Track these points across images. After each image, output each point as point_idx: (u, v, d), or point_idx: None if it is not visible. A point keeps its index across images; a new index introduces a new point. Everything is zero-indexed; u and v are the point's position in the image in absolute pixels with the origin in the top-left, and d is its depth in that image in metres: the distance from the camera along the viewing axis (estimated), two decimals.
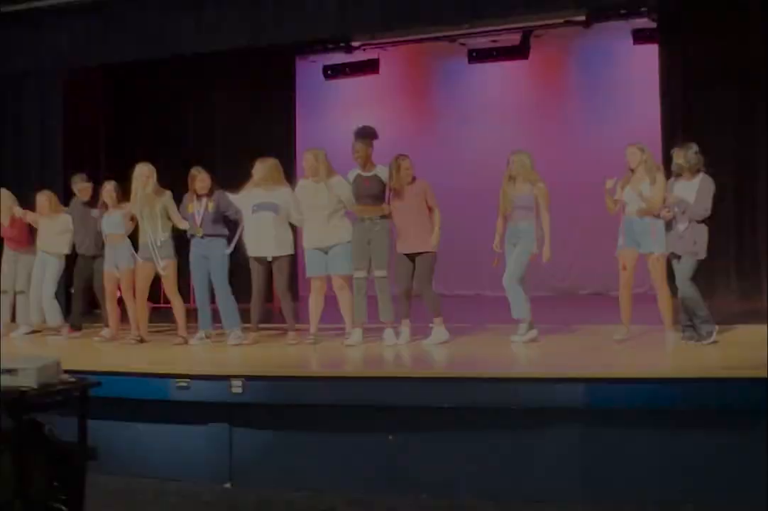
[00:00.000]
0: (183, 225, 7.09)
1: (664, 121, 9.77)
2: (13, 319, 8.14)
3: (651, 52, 10.60)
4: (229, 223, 7.13)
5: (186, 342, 7.00)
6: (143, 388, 5.62)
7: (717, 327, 6.08)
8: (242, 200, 6.96)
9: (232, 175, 7.62)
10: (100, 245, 7.48)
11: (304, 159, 6.82)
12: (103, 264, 7.35)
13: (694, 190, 6.07)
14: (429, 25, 9.73)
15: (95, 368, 5.55)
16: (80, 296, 7.76)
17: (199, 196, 7.05)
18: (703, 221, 6.09)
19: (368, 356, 6.28)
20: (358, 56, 11.92)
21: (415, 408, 5.19)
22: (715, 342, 6.00)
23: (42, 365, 3.87)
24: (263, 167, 6.84)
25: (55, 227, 7.82)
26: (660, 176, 6.29)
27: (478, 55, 11.42)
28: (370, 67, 11.87)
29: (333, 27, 8.94)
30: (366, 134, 6.76)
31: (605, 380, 4.95)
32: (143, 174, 7.08)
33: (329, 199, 6.73)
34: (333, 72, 12.06)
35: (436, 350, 6.39)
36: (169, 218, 7.09)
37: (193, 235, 7.06)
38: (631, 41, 10.63)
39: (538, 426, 5.05)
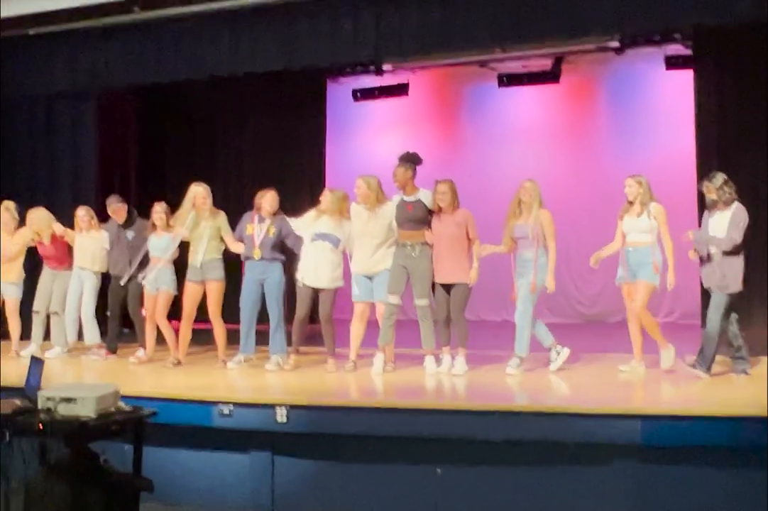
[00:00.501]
0: (236, 248, 7.06)
1: (699, 148, 9.70)
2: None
3: (684, 78, 10.59)
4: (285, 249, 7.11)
5: (225, 365, 6.96)
6: (185, 414, 5.56)
7: (710, 376, 5.99)
8: (302, 226, 6.90)
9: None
10: (135, 267, 7.46)
11: (357, 186, 6.74)
12: (146, 285, 7.33)
13: (727, 221, 6.03)
14: (462, 50, 9.72)
15: (136, 392, 5.50)
16: (117, 319, 7.74)
17: (261, 218, 7.00)
18: (735, 253, 6.01)
19: (411, 384, 6.20)
20: (388, 79, 11.92)
21: (464, 441, 5.12)
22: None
23: (101, 395, 3.83)
24: (333, 198, 6.81)
25: (94, 244, 7.80)
26: (655, 208, 6.32)
27: (508, 80, 11.42)
28: (399, 90, 11.89)
29: (369, 51, 8.95)
30: (407, 159, 6.70)
31: (659, 417, 4.88)
32: (200, 194, 7.05)
33: (381, 228, 6.69)
34: (362, 95, 12.08)
35: (472, 380, 6.32)
36: (221, 240, 7.06)
37: (248, 258, 7.00)
38: (664, 67, 10.62)
39: (589, 461, 4.98)
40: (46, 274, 8.03)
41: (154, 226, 7.34)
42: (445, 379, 6.36)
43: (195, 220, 7.04)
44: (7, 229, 8.04)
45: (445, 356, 6.58)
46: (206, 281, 7.08)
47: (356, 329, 6.83)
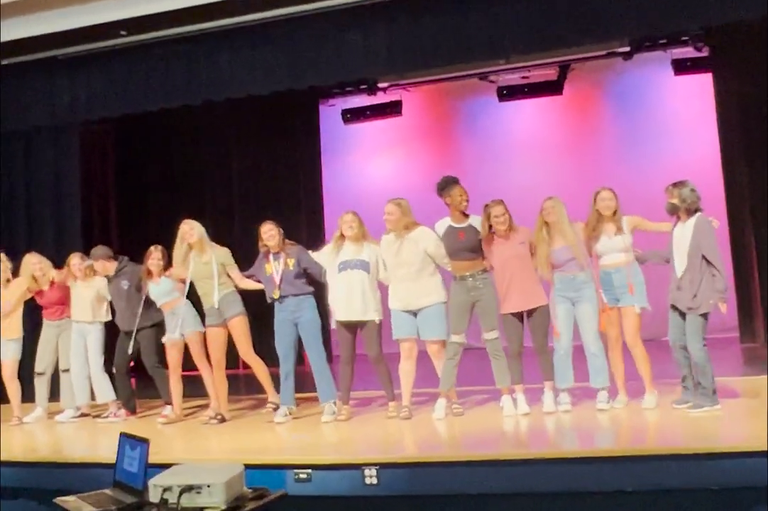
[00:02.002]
0: (245, 284, 6.49)
1: (724, 154, 9.39)
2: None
3: (694, 81, 10.33)
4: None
5: (277, 408, 6.31)
6: (253, 482, 4.86)
7: (719, 406, 5.44)
8: (324, 258, 6.35)
9: (252, 228, 6.94)
10: (140, 318, 6.82)
11: (387, 211, 6.15)
12: (168, 334, 6.66)
13: (690, 233, 5.46)
14: (464, 62, 9.23)
15: (182, 459, 4.84)
16: (125, 375, 7.01)
17: (275, 254, 6.39)
18: (709, 270, 5.41)
19: (496, 429, 5.60)
20: (380, 98, 11.42)
21: (585, 494, 4.55)
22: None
23: (229, 479, 3.17)
24: (356, 220, 6.25)
25: (92, 293, 7.09)
26: (629, 220, 5.86)
27: (509, 93, 10.99)
28: (392, 109, 11.37)
29: (362, 68, 8.44)
30: (455, 181, 6.14)
31: None
32: (193, 232, 6.48)
33: (415, 255, 6.10)
34: (353, 115, 11.54)
35: (567, 420, 5.73)
36: (228, 276, 6.46)
37: (273, 300, 6.37)
38: (672, 72, 10.29)
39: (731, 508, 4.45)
40: (49, 329, 7.26)
41: (149, 272, 6.71)
42: (530, 420, 5.75)
43: (195, 260, 6.45)
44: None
45: (520, 396, 5.99)
46: (227, 319, 6.43)
47: (406, 370, 6.19)
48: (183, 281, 6.60)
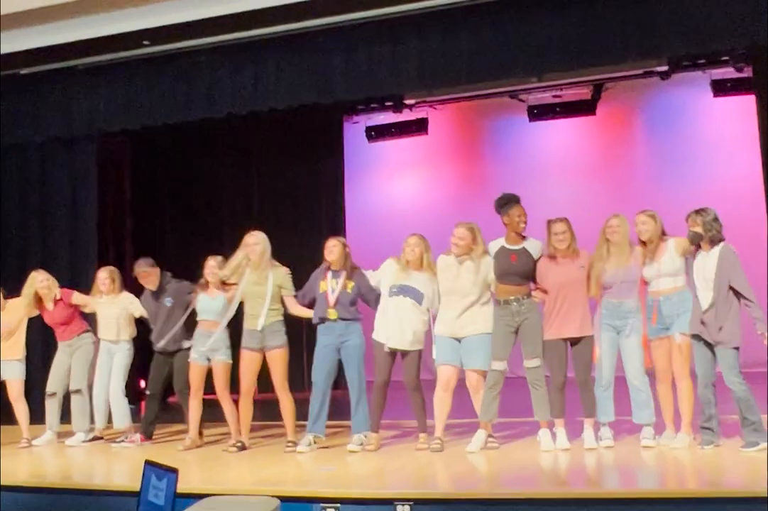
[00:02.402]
0: (298, 311, 6.20)
1: (767, 178, 9.11)
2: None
3: (734, 104, 10.12)
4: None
5: (295, 447, 6.01)
6: None
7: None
8: (382, 277, 6.08)
9: (272, 249, 6.66)
10: (181, 338, 6.56)
11: (460, 237, 5.82)
12: (190, 353, 6.41)
13: (714, 264, 5.25)
14: (499, 79, 9.04)
15: (200, 489, 4.59)
16: (158, 399, 6.76)
17: (335, 272, 6.12)
18: (737, 301, 5.21)
19: (532, 465, 5.29)
20: (406, 116, 11.24)
21: None
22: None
23: None
24: (421, 245, 5.98)
25: (118, 310, 6.86)
26: (677, 242, 5.57)
27: (540, 112, 10.78)
28: (418, 127, 11.18)
29: (391, 84, 8.23)
30: (515, 199, 5.89)
31: None
32: (257, 248, 6.15)
33: (474, 285, 5.83)
34: (377, 133, 11.35)
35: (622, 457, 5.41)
36: (281, 300, 6.18)
37: (323, 320, 6.07)
38: (710, 93, 10.08)
39: None
40: (62, 349, 7.03)
41: (206, 284, 6.40)
42: (570, 456, 5.45)
43: (248, 276, 6.15)
44: None
45: (560, 430, 5.69)
46: (267, 348, 6.15)
47: (442, 400, 5.88)
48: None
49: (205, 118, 8.50)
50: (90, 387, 6.92)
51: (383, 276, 6.04)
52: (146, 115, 8.49)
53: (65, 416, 7.01)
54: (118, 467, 6.12)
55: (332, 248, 6.08)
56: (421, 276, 5.94)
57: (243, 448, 6.16)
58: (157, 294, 6.73)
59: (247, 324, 6.18)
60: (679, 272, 5.57)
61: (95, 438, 6.89)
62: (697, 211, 5.37)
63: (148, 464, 3.16)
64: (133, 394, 6.92)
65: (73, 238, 8.92)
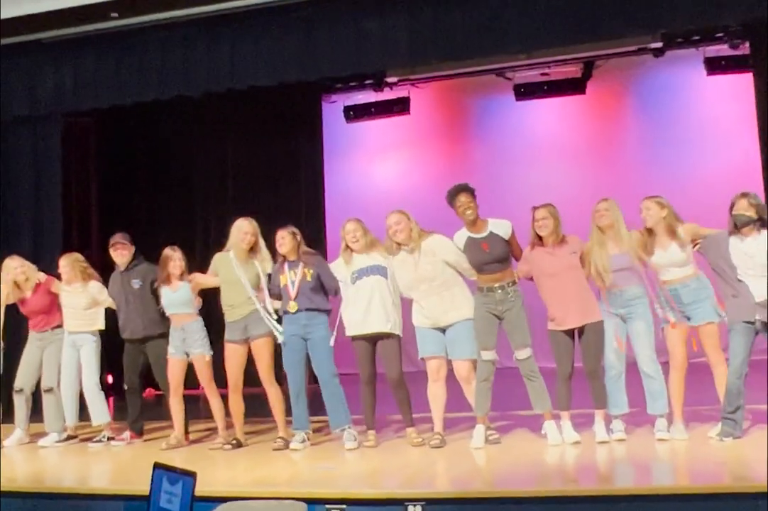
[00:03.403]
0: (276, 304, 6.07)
1: (765, 158, 9.12)
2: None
3: (729, 83, 10.10)
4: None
5: (287, 446, 5.87)
6: None
7: None
8: (336, 272, 6.00)
9: None
10: (151, 324, 6.39)
11: (396, 222, 5.78)
12: (167, 348, 6.25)
13: (765, 248, 5.23)
14: (489, 55, 8.88)
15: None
16: (137, 391, 6.57)
17: (291, 263, 6.01)
18: None
19: (541, 460, 5.21)
20: (386, 95, 11.07)
21: None
22: None
23: None
24: (359, 229, 5.91)
25: (85, 299, 6.65)
26: (686, 228, 5.54)
27: (527, 91, 10.67)
28: (399, 106, 11.01)
29: (373, 60, 8.09)
30: (465, 188, 5.80)
31: None
32: (249, 232, 6.02)
33: (434, 268, 5.75)
34: (356, 113, 11.18)
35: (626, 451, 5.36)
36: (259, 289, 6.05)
37: (286, 312, 5.97)
38: (704, 72, 10.04)
39: None
40: (32, 342, 6.80)
41: (167, 276, 6.25)
42: (580, 451, 5.36)
43: (241, 264, 6.03)
44: None
45: (566, 423, 5.61)
46: (251, 338, 6.02)
47: (435, 393, 5.80)
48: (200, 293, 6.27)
49: (178, 96, 8.29)
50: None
51: (339, 268, 5.98)
52: (116, 94, 8.29)
53: (36, 414, 6.81)
54: (99, 468, 5.93)
55: (282, 241, 5.97)
56: (374, 255, 5.86)
57: (239, 445, 6.04)
58: (126, 274, 6.56)
59: (227, 316, 6.06)
60: (690, 259, 5.52)
61: (69, 437, 6.69)
62: (744, 194, 5.33)
63: (158, 467, 3.01)
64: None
65: (37, 223, 8.68)
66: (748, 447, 5.11)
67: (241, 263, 6.03)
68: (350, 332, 5.91)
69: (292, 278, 5.94)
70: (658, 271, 5.60)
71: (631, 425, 5.73)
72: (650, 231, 5.58)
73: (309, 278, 5.92)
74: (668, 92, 10.53)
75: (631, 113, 10.97)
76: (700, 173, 10.12)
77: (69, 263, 6.75)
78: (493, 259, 5.69)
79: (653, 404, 5.56)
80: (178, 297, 6.21)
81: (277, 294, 6.05)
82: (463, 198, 5.70)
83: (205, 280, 6.28)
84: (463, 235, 5.79)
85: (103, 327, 6.74)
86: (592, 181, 10.59)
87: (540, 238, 5.64)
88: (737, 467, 4.82)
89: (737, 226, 5.32)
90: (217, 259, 6.17)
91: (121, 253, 6.60)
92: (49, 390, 6.66)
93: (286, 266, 5.99)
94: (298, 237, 6.02)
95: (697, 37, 9.89)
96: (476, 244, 5.72)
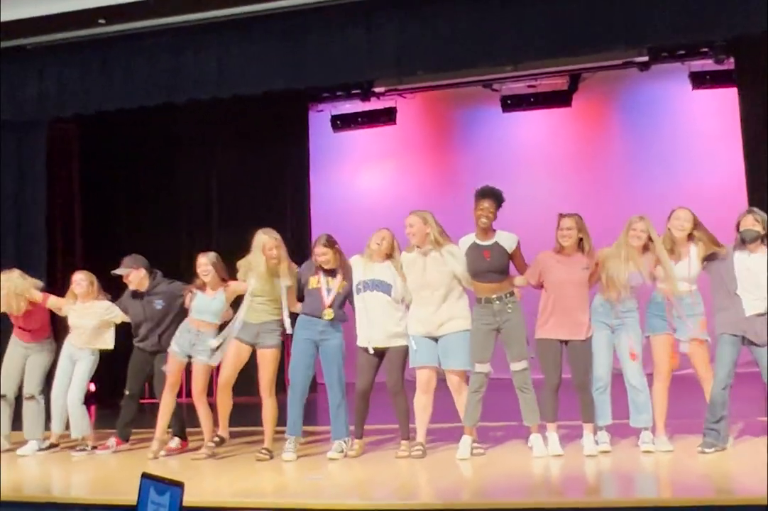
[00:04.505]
0: (297, 308, 6.03)
1: (750, 174, 9.21)
2: None
3: (714, 98, 10.22)
4: None
5: (271, 458, 5.85)
6: None
7: None
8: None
9: (232, 240, 6.77)
10: (167, 339, 6.31)
11: (409, 224, 5.79)
12: (173, 347, 6.20)
13: (765, 265, 5.32)
14: (476, 66, 8.92)
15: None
16: (136, 399, 6.54)
17: (329, 271, 5.96)
18: None
19: (526, 472, 5.23)
20: (373, 104, 11.14)
21: None
22: None
23: None
24: (388, 238, 5.89)
25: (93, 320, 6.55)
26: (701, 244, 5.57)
27: (513, 103, 10.77)
28: (386, 116, 11.09)
29: (360, 71, 8.13)
30: (493, 193, 5.81)
31: None
32: (267, 245, 5.92)
33: (442, 276, 5.74)
34: (343, 123, 11.23)
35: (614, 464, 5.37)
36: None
37: (313, 316, 5.91)
38: (689, 86, 10.15)
39: None
40: (16, 347, 6.73)
41: (203, 284, 6.19)
42: (565, 462, 5.39)
43: (265, 277, 5.96)
44: None
45: (551, 434, 5.63)
46: (259, 346, 6.00)
47: (422, 404, 5.79)
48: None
49: (164, 103, 8.29)
50: (43, 393, 6.68)
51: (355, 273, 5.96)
52: (101, 100, 8.24)
53: (15, 421, 6.77)
54: (85, 477, 5.87)
55: (324, 257, 5.88)
56: (384, 267, 5.85)
57: (222, 442, 6.04)
58: (147, 296, 6.47)
59: (246, 317, 6.00)
60: (694, 276, 5.58)
61: (51, 446, 6.64)
62: (751, 211, 5.45)
63: (146, 477, 3.00)
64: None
65: (21, 229, 8.63)
66: (733, 460, 5.18)
67: (267, 277, 5.96)
68: (358, 341, 5.91)
69: (328, 286, 5.91)
70: (662, 281, 5.60)
71: (616, 437, 5.76)
72: (674, 240, 5.56)
73: (341, 290, 5.93)
74: (653, 106, 10.65)
75: (617, 126, 11.08)
76: (685, 186, 10.18)
77: (88, 277, 6.63)
78: (491, 268, 5.71)
79: (637, 417, 5.59)
80: (213, 305, 6.15)
81: (300, 296, 6.03)
82: (486, 204, 5.71)
83: (238, 286, 6.16)
84: (468, 240, 5.81)
85: (112, 347, 6.65)
86: (578, 192, 10.68)
87: (558, 245, 5.65)
88: (721, 479, 4.86)
89: (745, 242, 5.40)
90: (244, 265, 6.06)
91: (136, 283, 6.48)
92: (31, 398, 6.60)
93: (321, 272, 5.96)
94: (336, 246, 5.95)
95: (682, 52, 10.03)
96: (478, 250, 5.74)
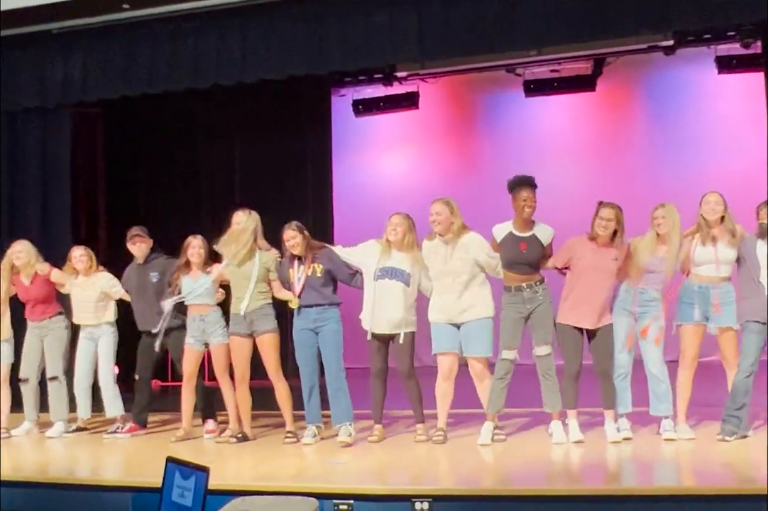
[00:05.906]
0: (282, 295, 6.07)
1: None
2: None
3: (741, 82, 10.11)
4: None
5: (297, 440, 5.91)
6: None
7: None
8: (360, 258, 5.98)
9: None
10: (169, 319, 6.35)
11: (436, 212, 5.74)
12: (187, 340, 6.25)
13: None
14: (499, 50, 8.84)
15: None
16: (148, 383, 6.62)
17: (300, 259, 6.03)
18: None
19: (545, 459, 5.25)
20: (395, 89, 11.08)
21: None
22: None
23: None
24: (403, 224, 5.84)
25: (95, 292, 6.65)
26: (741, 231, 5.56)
27: (537, 87, 10.68)
28: (408, 101, 11.02)
29: (384, 55, 8.09)
30: (529, 182, 5.78)
31: None
32: (248, 226, 5.99)
33: (465, 264, 5.73)
34: (365, 107, 11.19)
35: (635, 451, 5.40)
36: (269, 283, 6.08)
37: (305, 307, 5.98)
38: (715, 70, 10.04)
39: None
40: (32, 331, 6.79)
41: (188, 264, 6.25)
42: (585, 450, 5.40)
43: (241, 257, 5.99)
44: None
45: (572, 421, 5.64)
46: (256, 333, 6.04)
47: (444, 390, 5.81)
48: (222, 284, 6.27)
49: (187, 88, 8.31)
50: (67, 374, 6.75)
51: (365, 258, 5.93)
52: (125, 85, 8.27)
53: (44, 404, 6.85)
54: (111, 460, 5.96)
55: (293, 241, 5.94)
56: (405, 256, 5.83)
57: (245, 439, 6.07)
58: (144, 268, 6.57)
59: (232, 308, 6.07)
60: (732, 260, 5.54)
61: (79, 429, 6.72)
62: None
63: (171, 461, 3.05)
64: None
65: (46, 215, 8.70)
66: (754, 448, 5.14)
67: (244, 261, 6.01)
68: (369, 328, 5.90)
69: (298, 275, 5.96)
70: (696, 266, 5.57)
71: (636, 425, 5.77)
72: (708, 225, 5.52)
73: (319, 274, 5.93)
74: (678, 90, 10.55)
75: (641, 110, 10.98)
76: (709, 171, 10.08)
77: (87, 252, 6.73)
78: (526, 260, 5.70)
79: (658, 405, 5.60)
80: (199, 287, 6.19)
81: (287, 288, 6.08)
82: (525, 193, 5.65)
83: (221, 269, 6.22)
84: (504, 228, 5.77)
85: (114, 319, 6.75)
86: (600, 177, 10.65)
87: (595, 233, 5.60)
88: (743, 468, 4.85)
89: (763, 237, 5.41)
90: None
91: (139, 246, 6.60)
92: (54, 378, 6.69)
93: (295, 261, 6.00)
94: (305, 232, 6.01)
95: (708, 36, 9.86)
96: (515, 241, 5.71)
